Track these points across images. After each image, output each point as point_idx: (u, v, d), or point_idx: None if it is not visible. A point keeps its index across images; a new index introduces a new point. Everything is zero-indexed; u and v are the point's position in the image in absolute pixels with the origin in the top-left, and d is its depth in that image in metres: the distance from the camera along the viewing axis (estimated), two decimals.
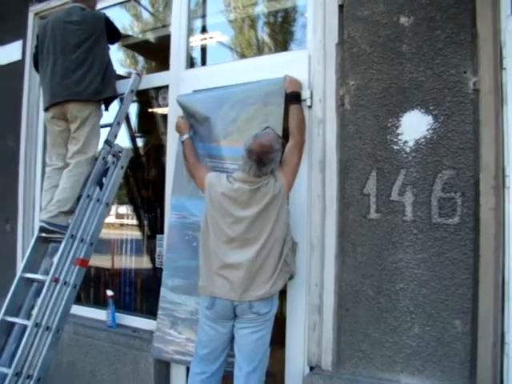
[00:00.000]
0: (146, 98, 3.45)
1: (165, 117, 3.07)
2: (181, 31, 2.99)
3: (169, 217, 2.79)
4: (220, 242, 2.26)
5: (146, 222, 3.61)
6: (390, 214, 2.21)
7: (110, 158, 2.85)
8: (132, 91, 2.99)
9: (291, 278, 2.37)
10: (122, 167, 2.91)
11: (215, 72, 2.85)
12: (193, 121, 2.68)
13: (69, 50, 2.71)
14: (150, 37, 3.70)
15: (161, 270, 2.86)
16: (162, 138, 3.31)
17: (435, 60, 2.14)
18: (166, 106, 3.05)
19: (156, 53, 3.63)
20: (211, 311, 2.29)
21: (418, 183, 2.15)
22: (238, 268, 2.21)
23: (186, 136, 2.61)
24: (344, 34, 2.37)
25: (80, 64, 2.72)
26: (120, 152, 2.91)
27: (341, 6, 2.38)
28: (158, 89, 3.19)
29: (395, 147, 2.21)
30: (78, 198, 2.73)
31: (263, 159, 2.17)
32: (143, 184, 3.69)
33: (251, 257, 2.20)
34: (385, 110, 2.24)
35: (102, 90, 2.78)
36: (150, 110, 3.56)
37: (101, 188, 2.81)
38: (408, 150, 2.18)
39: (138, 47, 3.71)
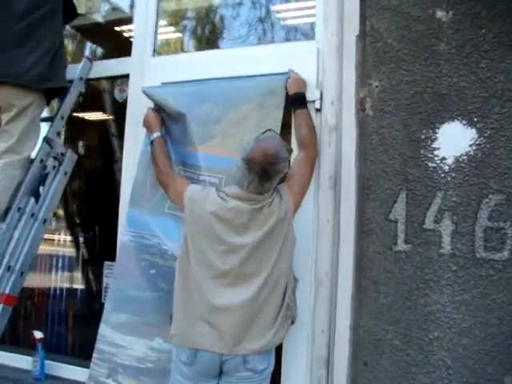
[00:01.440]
0: (96, 89, 2.79)
1: (121, 112, 2.45)
2: (149, 10, 2.41)
3: (121, 234, 2.19)
4: (206, 277, 1.73)
5: (85, 244, 2.91)
6: (423, 246, 1.81)
7: (50, 162, 2.21)
8: (81, 79, 2.37)
9: (292, 323, 1.87)
10: (65, 173, 2.26)
11: (193, 61, 2.31)
12: (165, 116, 2.12)
13: (10, 18, 2.04)
14: (100, 17, 3.05)
15: None
16: (112, 138, 2.68)
17: (480, 63, 1.79)
18: (123, 99, 2.44)
19: (109, 37, 2.99)
20: (190, 368, 1.73)
21: (458, 209, 1.77)
22: (230, 312, 1.70)
23: (156, 134, 2.06)
24: (366, 25, 1.96)
25: (24, 38, 2.06)
26: (63, 154, 2.26)
27: None
28: (112, 79, 2.57)
29: (430, 165, 1.82)
30: (6, 211, 2.04)
31: (268, 171, 1.69)
32: (84, 196, 3.00)
33: (248, 298, 1.70)
34: (417, 119, 1.85)
35: (49, 76, 2.15)
36: (101, 104, 2.90)
37: (37, 200, 2.14)
38: (446, 168, 1.80)
39: (86, 29, 3.04)
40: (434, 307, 1.78)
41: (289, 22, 2.42)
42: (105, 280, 2.41)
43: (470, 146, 1.78)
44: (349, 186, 1.91)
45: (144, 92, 2.15)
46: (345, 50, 1.97)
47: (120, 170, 2.40)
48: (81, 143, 2.77)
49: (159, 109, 2.13)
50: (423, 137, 1.84)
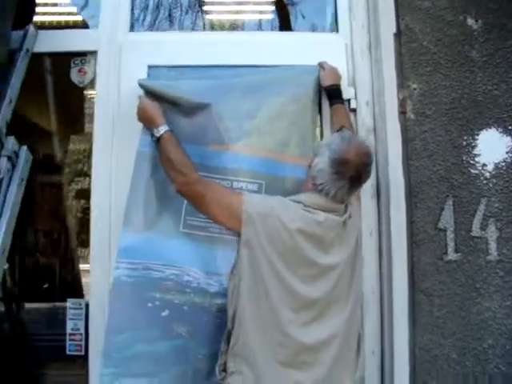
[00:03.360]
0: (39, 68, 2.06)
1: (78, 101, 1.86)
2: None
3: (112, 267, 1.62)
4: (288, 310, 1.38)
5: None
6: (472, 254, 1.78)
7: (3, 164, 1.52)
8: (27, 51, 1.71)
9: None
10: (21, 180, 1.59)
11: (191, 41, 1.88)
12: (168, 109, 1.65)
13: None
14: None
15: (76, 360, 1.66)
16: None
17: (509, 73, 1.86)
18: (84, 84, 1.85)
19: None
20: None
21: (501, 215, 1.79)
22: (317, 350, 1.40)
23: (163, 128, 1.56)
24: (400, 23, 1.86)
25: None
26: (16, 154, 1.59)
27: None
28: (67, 55, 1.91)
29: (473, 171, 1.81)
30: None
31: (362, 175, 1.46)
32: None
33: (339, 329, 1.43)
34: (457, 125, 1.82)
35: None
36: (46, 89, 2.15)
37: None
38: (488, 175, 1.81)
39: None
40: (486, 315, 1.76)
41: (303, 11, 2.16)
42: (69, 324, 1.77)
43: (507, 153, 1.82)
44: (398, 195, 1.77)
45: (141, 84, 1.66)
46: (380, 48, 1.83)
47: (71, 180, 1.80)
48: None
49: (158, 99, 1.65)
50: (464, 143, 1.82)
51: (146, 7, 2.03)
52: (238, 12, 2.27)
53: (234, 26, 2.28)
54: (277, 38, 1.97)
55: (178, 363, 1.57)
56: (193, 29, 2.15)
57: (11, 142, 1.57)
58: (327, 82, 1.75)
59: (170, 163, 1.52)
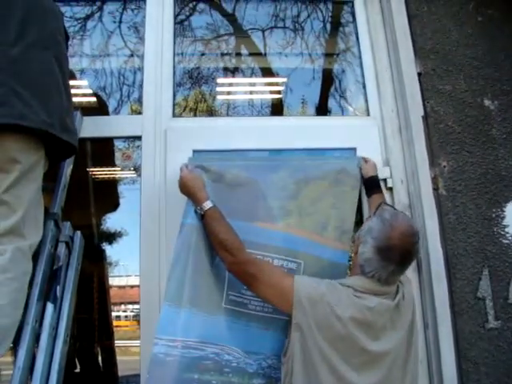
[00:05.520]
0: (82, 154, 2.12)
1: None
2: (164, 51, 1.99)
3: (152, 344, 1.58)
4: None
5: None
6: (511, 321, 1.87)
7: (61, 250, 1.55)
8: None
9: None
10: (78, 265, 1.62)
11: (231, 127, 1.98)
12: (211, 182, 1.70)
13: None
14: None
15: None
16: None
17: None
18: (131, 169, 1.92)
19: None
20: None
21: None
22: None
23: (208, 203, 1.58)
24: (426, 106, 2.02)
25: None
26: (72, 239, 1.63)
27: (419, 75, 2.04)
28: (105, 141, 1.98)
29: (504, 241, 1.93)
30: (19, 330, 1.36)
31: (413, 256, 1.50)
32: None
33: None
34: (486, 199, 1.96)
35: (70, 124, 1.54)
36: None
37: (55, 308, 1.47)
38: None
39: None
40: None
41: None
42: None
43: None
44: (438, 267, 1.86)
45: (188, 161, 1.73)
46: (410, 130, 1.97)
47: None
48: None
49: (202, 170, 1.71)
50: (493, 215, 1.95)
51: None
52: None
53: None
54: (314, 122, 2.10)
55: None
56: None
57: (67, 227, 1.61)
58: (370, 173, 1.85)
59: (219, 242, 1.53)
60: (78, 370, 3.34)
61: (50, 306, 1.45)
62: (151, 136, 1.91)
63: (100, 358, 3.48)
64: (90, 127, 1.91)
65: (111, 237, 5.65)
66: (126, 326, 11.90)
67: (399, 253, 1.43)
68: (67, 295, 1.55)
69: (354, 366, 1.39)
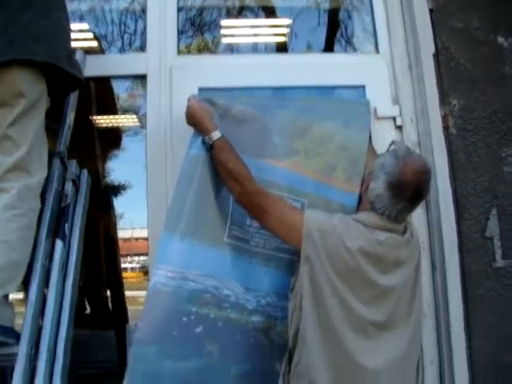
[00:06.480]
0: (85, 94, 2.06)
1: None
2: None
3: (151, 273, 1.58)
4: (351, 334, 1.36)
5: None
6: None
7: (68, 188, 1.52)
8: None
9: None
10: (84, 204, 1.59)
11: (238, 64, 1.93)
12: (219, 115, 1.64)
13: None
14: None
15: None
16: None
17: None
18: (135, 111, 1.87)
19: None
20: None
21: None
22: (377, 374, 1.37)
23: (217, 133, 1.52)
24: (437, 43, 1.95)
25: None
26: (78, 177, 1.59)
27: (431, 11, 1.96)
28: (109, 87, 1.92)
29: None
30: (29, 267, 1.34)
31: (424, 194, 1.47)
32: None
33: (400, 353, 1.41)
34: (496, 138, 1.92)
35: (75, 60, 1.49)
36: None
37: (64, 244, 1.45)
38: None
39: None
40: None
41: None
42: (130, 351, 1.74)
43: None
44: (447, 206, 1.84)
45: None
46: (420, 68, 1.91)
47: None
48: None
49: (209, 104, 1.64)
50: (503, 154, 1.91)
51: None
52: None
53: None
54: (322, 60, 2.04)
55: None
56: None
57: (74, 166, 1.58)
58: None
59: (228, 172, 1.49)
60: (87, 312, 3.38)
61: (59, 243, 1.44)
62: (156, 74, 1.85)
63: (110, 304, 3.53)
64: (94, 66, 1.84)
65: (115, 189, 5.64)
66: (133, 278, 12.03)
67: (411, 189, 1.39)
68: (76, 233, 1.54)
69: (363, 300, 1.38)
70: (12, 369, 1.28)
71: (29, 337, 1.30)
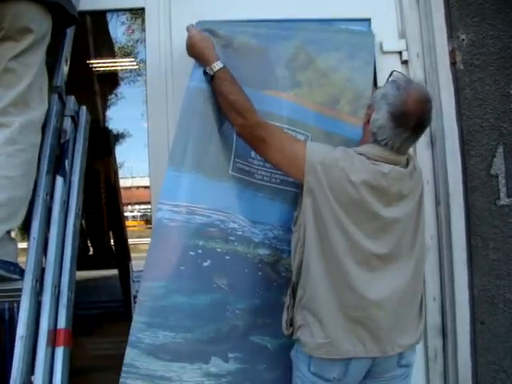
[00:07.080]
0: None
1: None
2: None
3: (155, 209, 1.53)
4: (353, 265, 1.36)
5: None
6: None
7: (68, 124, 1.48)
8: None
9: None
10: (85, 141, 1.56)
11: None
12: (221, 48, 1.58)
13: None
14: None
15: None
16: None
17: None
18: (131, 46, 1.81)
19: None
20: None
21: None
22: (384, 306, 1.38)
23: (218, 64, 1.47)
24: None
25: None
26: (77, 113, 1.55)
27: None
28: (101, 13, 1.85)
29: None
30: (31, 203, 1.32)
31: (426, 123, 1.42)
32: None
33: (403, 286, 1.41)
34: (505, 74, 1.87)
35: None
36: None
37: (64, 181, 1.42)
38: None
39: None
40: None
41: None
42: (133, 287, 1.75)
43: None
44: (453, 143, 1.81)
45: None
46: (432, 1, 1.84)
47: None
48: None
49: (210, 34, 1.58)
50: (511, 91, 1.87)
51: None
52: None
53: None
54: None
55: (214, 319, 1.51)
56: None
57: (72, 102, 1.54)
58: None
59: (229, 104, 1.45)
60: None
61: (59, 179, 1.42)
62: (155, 6, 1.78)
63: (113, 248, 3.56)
64: (89, 0, 1.77)
65: (115, 138, 5.59)
66: (134, 226, 12.16)
67: (414, 119, 1.36)
68: (76, 169, 1.52)
69: (366, 232, 1.37)
70: (18, 304, 1.29)
71: (33, 272, 1.30)
